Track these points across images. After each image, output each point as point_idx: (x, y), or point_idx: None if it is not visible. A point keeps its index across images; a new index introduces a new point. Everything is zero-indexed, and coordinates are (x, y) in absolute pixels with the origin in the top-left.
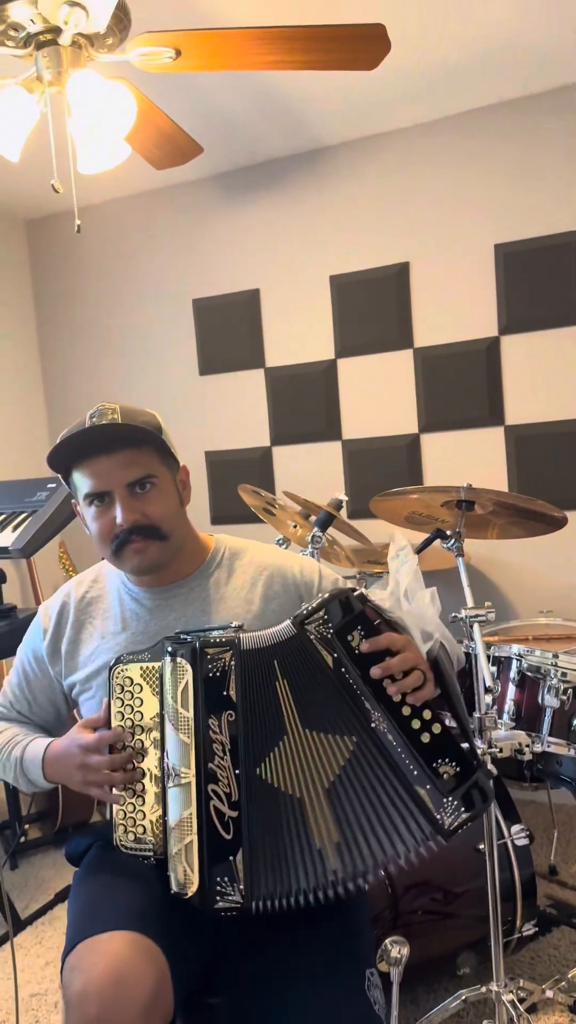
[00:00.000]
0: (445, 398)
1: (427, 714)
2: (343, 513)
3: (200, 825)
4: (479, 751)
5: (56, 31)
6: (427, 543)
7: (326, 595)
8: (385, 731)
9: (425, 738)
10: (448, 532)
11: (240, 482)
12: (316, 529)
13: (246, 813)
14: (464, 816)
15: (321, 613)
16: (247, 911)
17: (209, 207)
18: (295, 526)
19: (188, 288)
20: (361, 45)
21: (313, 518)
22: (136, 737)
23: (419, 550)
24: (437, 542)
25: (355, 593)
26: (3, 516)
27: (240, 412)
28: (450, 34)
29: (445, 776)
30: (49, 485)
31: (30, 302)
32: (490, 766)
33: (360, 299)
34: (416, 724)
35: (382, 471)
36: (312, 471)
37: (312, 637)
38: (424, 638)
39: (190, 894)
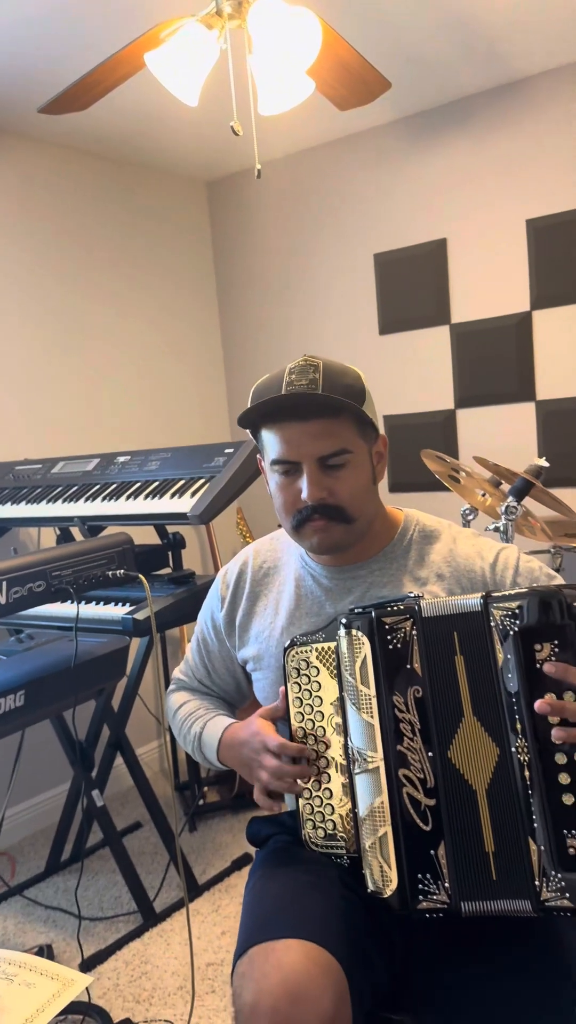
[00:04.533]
0: None
1: None
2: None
3: (394, 814)
4: None
5: None
6: None
7: (534, 586)
8: (525, 763)
9: (568, 799)
10: None
11: (421, 447)
12: (511, 499)
13: (445, 801)
14: (566, 902)
15: (515, 604)
16: (455, 913)
17: (392, 154)
18: (484, 494)
19: (369, 242)
20: None
21: (505, 486)
22: (317, 724)
23: None
24: None
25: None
26: (182, 481)
27: (423, 373)
28: None
29: (571, 850)
30: (227, 450)
31: (211, 264)
32: None
33: (561, 244)
34: (564, 779)
35: None
36: (501, 435)
37: (492, 623)
38: None
39: (388, 893)
